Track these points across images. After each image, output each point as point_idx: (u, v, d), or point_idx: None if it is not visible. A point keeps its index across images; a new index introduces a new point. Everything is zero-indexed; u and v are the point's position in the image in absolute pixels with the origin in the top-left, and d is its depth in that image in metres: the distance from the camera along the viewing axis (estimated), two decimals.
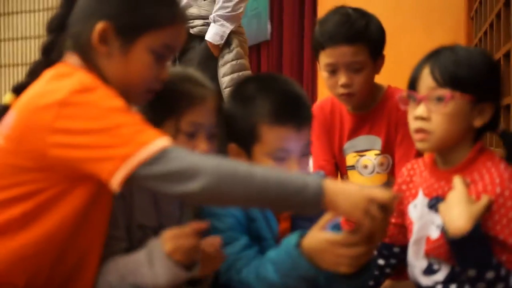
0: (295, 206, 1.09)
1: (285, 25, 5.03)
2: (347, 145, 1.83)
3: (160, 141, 1.05)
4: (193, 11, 2.84)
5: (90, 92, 1.08)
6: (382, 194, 1.09)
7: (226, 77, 2.73)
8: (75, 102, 1.06)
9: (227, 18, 2.64)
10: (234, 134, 1.36)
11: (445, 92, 1.23)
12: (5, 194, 1.10)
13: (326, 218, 1.17)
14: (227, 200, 1.08)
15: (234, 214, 1.32)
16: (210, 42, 2.76)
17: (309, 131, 1.36)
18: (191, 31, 2.81)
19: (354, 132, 1.81)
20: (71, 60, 1.19)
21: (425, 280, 1.29)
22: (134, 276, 1.19)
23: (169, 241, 1.15)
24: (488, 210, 1.18)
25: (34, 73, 1.19)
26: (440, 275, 1.26)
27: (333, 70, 1.71)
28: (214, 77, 2.70)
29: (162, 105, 1.28)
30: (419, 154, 1.67)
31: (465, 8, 3.63)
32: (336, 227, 1.26)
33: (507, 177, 1.21)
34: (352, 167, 1.83)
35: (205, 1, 2.79)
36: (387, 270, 1.45)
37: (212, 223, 1.30)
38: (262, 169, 1.08)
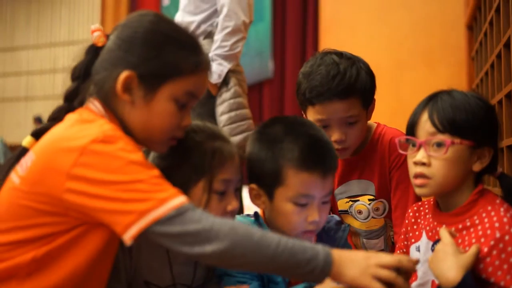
0: (304, 275, 1.10)
1: (287, 63, 5.06)
2: (338, 190, 1.75)
3: (177, 200, 1.06)
4: None
5: (111, 143, 1.08)
6: (389, 258, 1.10)
7: (224, 115, 2.72)
8: (95, 151, 1.06)
9: (225, 57, 2.65)
10: (257, 176, 1.36)
11: (444, 138, 1.24)
12: (17, 235, 1.10)
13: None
14: (239, 264, 1.10)
15: None
16: (208, 81, 2.74)
17: (333, 179, 1.36)
18: None
19: (345, 177, 1.73)
20: (94, 106, 1.19)
21: None
22: None
23: None
24: (478, 258, 1.17)
25: (55, 118, 1.20)
26: None
27: (324, 126, 1.57)
28: (212, 116, 2.68)
29: (193, 166, 1.27)
30: (417, 197, 1.64)
31: (466, 48, 3.64)
32: None
33: (507, 221, 1.19)
34: (346, 211, 1.76)
35: (205, 40, 2.80)
36: None
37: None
38: (275, 236, 1.09)
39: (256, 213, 1.43)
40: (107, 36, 1.23)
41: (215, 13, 2.66)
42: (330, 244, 1.41)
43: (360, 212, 1.74)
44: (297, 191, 1.31)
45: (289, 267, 1.08)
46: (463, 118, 1.24)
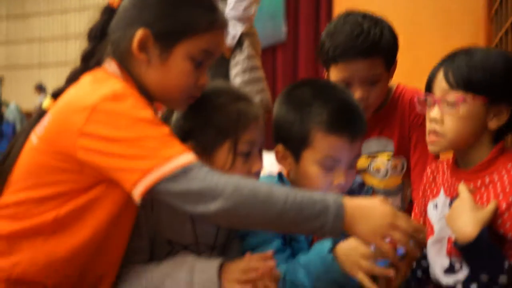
0: (314, 230, 1.09)
1: (300, 26, 5.00)
2: None
3: (183, 157, 1.05)
4: None
5: (120, 101, 1.08)
6: (407, 223, 1.09)
7: (238, 77, 2.71)
8: (105, 109, 1.07)
9: (238, 19, 2.62)
10: (284, 137, 1.36)
11: (457, 94, 1.24)
12: (38, 193, 1.13)
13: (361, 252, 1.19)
14: (246, 222, 1.10)
15: None
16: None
17: (360, 144, 1.36)
18: None
19: (366, 135, 1.68)
20: (110, 66, 1.19)
21: (446, 279, 1.28)
22: None
23: (233, 281, 1.15)
24: (496, 214, 1.17)
25: (72, 79, 1.21)
26: (461, 275, 1.24)
27: (346, 84, 1.59)
28: (226, 78, 2.68)
29: (218, 128, 1.27)
30: (436, 155, 1.65)
31: (484, 9, 3.57)
32: None
33: None
34: (364, 169, 1.76)
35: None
36: (418, 274, 1.40)
37: None
38: (282, 191, 1.07)
39: (280, 174, 1.43)
40: None
41: None
42: None
43: (378, 169, 1.75)
44: (324, 154, 1.30)
45: (298, 223, 1.06)
46: (477, 74, 1.23)
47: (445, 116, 1.26)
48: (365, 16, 1.63)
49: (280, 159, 1.39)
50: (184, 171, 1.03)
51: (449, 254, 1.26)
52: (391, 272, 1.15)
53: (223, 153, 1.27)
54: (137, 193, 1.04)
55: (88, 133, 1.06)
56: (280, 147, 1.37)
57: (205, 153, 1.28)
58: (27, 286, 1.13)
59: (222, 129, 1.27)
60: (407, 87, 1.73)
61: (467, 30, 3.58)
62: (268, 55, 5.09)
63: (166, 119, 1.36)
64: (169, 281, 1.19)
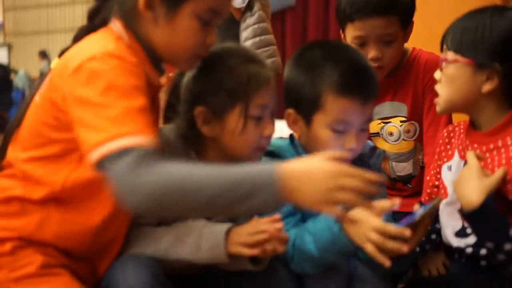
0: (254, 210, 1.01)
1: None
2: None
3: (127, 140, 0.99)
4: None
5: (104, 62, 1.06)
6: (354, 180, 0.98)
7: (248, 41, 2.68)
8: (87, 69, 1.05)
9: None
10: (295, 100, 1.34)
11: (448, 55, 1.25)
12: (42, 151, 1.14)
13: (382, 205, 1.15)
14: (172, 213, 1.09)
15: None
16: (232, 5, 2.69)
17: (372, 107, 1.34)
18: None
19: (379, 99, 1.70)
20: (115, 26, 1.17)
21: (456, 242, 1.28)
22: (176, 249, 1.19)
23: (240, 245, 1.15)
24: (504, 181, 1.16)
25: (78, 38, 1.19)
26: (472, 238, 1.24)
27: (362, 43, 1.61)
28: (236, 41, 2.65)
29: (229, 91, 1.25)
30: (449, 119, 1.65)
31: None
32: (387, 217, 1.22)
33: None
34: (377, 134, 1.76)
35: None
36: (427, 247, 1.41)
37: None
38: (208, 177, 0.99)
39: (291, 136, 1.42)
40: None
41: None
42: (364, 169, 1.41)
43: (391, 134, 1.74)
44: (335, 117, 1.28)
45: (233, 206, 0.98)
46: (467, 37, 1.22)
47: (442, 77, 1.27)
48: None
49: (291, 123, 1.37)
50: (118, 155, 0.98)
51: (462, 217, 1.26)
52: (404, 248, 1.10)
53: (234, 117, 1.25)
54: (90, 163, 1.01)
55: (70, 91, 1.06)
56: (290, 110, 1.35)
57: (216, 116, 1.27)
58: (37, 246, 1.14)
59: (232, 92, 1.25)
60: (422, 50, 1.72)
61: None
62: (277, 19, 5.02)
63: (176, 82, 1.35)
64: (179, 245, 1.19)
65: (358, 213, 1.16)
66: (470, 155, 1.21)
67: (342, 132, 1.29)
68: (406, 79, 1.70)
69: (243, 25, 2.70)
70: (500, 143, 1.22)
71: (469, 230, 1.25)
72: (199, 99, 1.27)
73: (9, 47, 10.19)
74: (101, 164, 0.99)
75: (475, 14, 1.26)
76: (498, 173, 1.16)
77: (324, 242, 1.20)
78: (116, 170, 0.98)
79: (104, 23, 1.19)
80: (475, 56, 1.21)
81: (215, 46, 1.30)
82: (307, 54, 1.36)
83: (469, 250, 1.24)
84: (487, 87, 1.23)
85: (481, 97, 1.24)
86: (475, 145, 1.28)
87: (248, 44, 2.67)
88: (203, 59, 1.26)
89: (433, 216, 1.16)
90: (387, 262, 1.11)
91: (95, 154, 1.00)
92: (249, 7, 2.70)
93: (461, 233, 1.27)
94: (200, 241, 1.18)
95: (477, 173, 1.16)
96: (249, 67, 1.27)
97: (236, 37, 2.67)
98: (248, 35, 2.65)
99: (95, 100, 1.03)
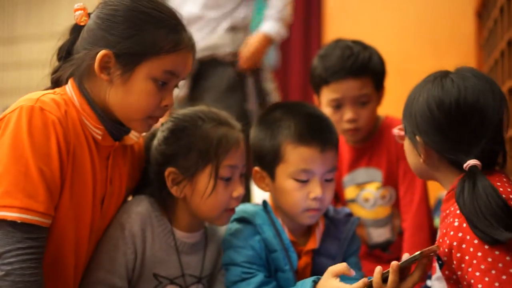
0: None
1: (292, 53, 5.03)
2: (346, 178, 1.77)
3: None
4: (213, 37, 2.79)
5: (18, 120, 1.08)
6: None
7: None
8: (7, 119, 1.09)
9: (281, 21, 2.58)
10: (258, 158, 1.38)
11: (401, 127, 1.27)
12: None
13: (339, 269, 1.14)
14: None
15: (253, 246, 1.33)
16: (268, 35, 2.55)
17: (334, 155, 1.36)
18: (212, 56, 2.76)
19: (353, 165, 1.76)
20: (68, 87, 1.19)
21: None
22: None
23: None
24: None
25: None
26: None
27: (337, 105, 1.67)
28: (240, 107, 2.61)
29: (199, 152, 1.27)
30: (425, 185, 1.66)
31: (474, 36, 3.59)
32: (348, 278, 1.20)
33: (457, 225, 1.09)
34: (353, 200, 1.76)
35: (226, 32, 2.75)
36: None
37: (229, 256, 1.33)
38: None
39: (264, 201, 1.42)
40: (89, 15, 1.21)
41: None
42: (338, 236, 1.41)
43: (367, 199, 1.74)
44: (296, 167, 1.31)
45: None
46: (404, 110, 1.22)
47: None
48: (355, 42, 1.72)
49: (258, 181, 1.40)
50: None
51: None
52: None
53: (205, 178, 1.27)
54: None
55: None
56: (256, 168, 1.38)
57: (185, 177, 1.27)
58: None
59: (203, 154, 1.27)
60: (395, 118, 1.76)
61: (458, 57, 3.59)
62: None
63: (147, 144, 1.36)
64: None
65: (329, 281, 1.14)
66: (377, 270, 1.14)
67: (306, 182, 1.32)
68: (379, 145, 1.73)
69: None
70: (448, 211, 1.15)
71: None
72: (169, 160, 1.28)
73: None
74: None
75: (415, 86, 1.25)
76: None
77: None
78: None
79: (61, 83, 1.21)
80: (405, 129, 1.21)
81: (186, 110, 1.33)
82: (268, 114, 1.42)
83: None
84: (422, 157, 1.19)
85: (425, 167, 1.20)
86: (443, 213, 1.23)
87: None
88: (175, 121, 1.29)
89: (427, 262, 1.10)
90: None
91: None
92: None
93: None
94: None
95: None
96: (219, 130, 1.29)
97: (239, 102, 2.61)
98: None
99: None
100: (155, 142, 1.32)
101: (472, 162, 1.11)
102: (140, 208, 1.29)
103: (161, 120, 1.29)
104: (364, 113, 1.66)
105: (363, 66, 1.65)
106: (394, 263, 1.13)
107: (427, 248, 1.11)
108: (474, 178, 1.09)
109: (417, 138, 1.17)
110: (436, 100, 1.15)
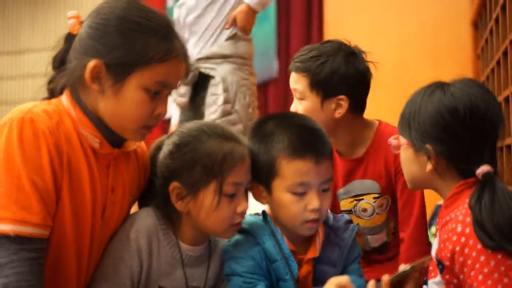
0: None
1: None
2: (341, 191, 1.74)
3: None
4: (214, 49, 2.85)
5: (10, 130, 1.09)
6: None
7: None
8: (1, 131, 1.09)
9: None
10: (254, 172, 1.35)
11: (396, 137, 1.30)
12: None
13: (340, 280, 1.18)
14: None
15: (253, 257, 1.32)
16: (249, 6, 2.81)
17: (329, 166, 1.35)
18: (211, 71, 2.82)
19: (348, 178, 1.72)
20: (63, 97, 1.19)
21: None
22: None
23: None
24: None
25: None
26: None
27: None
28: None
29: (204, 168, 1.25)
30: (423, 197, 1.65)
31: (471, 46, 3.61)
32: None
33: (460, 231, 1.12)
34: (349, 211, 1.74)
35: (227, 41, 2.81)
36: None
37: (231, 266, 1.32)
38: None
39: (264, 212, 1.42)
40: (82, 24, 1.21)
41: None
42: (338, 244, 1.41)
43: (365, 210, 1.73)
44: (292, 180, 1.31)
45: None
46: (404, 119, 1.25)
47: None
48: (340, 44, 1.68)
49: (255, 195, 1.39)
50: None
51: None
52: None
53: (209, 194, 1.25)
54: None
55: None
56: (253, 183, 1.37)
57: (190, 192, 1.26)
58: None
59: (208, 170, 1.25)
60: (389, 125, 1.71)
61: (456, 66, 3.61)
62: (260, 91, 5.10)
63: (152, 157, 1.36)
64: None
65: None
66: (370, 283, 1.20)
67: (303, 194, 1.31)
68: (375, 156, 1.68)
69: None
70: (448, 217, 1.18)
71: None
72: (174, 175, 1.27)
73: None
74: None
75: (414, 95, 1.27)
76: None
77: None
78: None
79: (55, 93, 1.21)
80: (410, 138, 1.22)
81: (191, 123, 1.32)
82: (261, 127, 1.40)
83: None
84: (429, 166, 1.21)
85: (430, 175, 1.23)
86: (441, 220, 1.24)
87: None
88: (180, 135, 1.28)
89: (421, 271, 1.13)
90: None
91: None
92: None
93: None
94: None
95: None
96: (224, 145, 1.27)
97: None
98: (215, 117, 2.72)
99: None
100: (161, 155, 1.31)
101: (486, 168, 1.13)
102: (147, 221, 1.29)
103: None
104: (300, 107, 1.67)
105: (303, 62, 1.66)
106: (385, 276, 1.17)
107: (417, 262, 1.14)
108: (493, 185, 1.11)
109: (428, 146, 1.19)
110: (448, 107, 1.17)
